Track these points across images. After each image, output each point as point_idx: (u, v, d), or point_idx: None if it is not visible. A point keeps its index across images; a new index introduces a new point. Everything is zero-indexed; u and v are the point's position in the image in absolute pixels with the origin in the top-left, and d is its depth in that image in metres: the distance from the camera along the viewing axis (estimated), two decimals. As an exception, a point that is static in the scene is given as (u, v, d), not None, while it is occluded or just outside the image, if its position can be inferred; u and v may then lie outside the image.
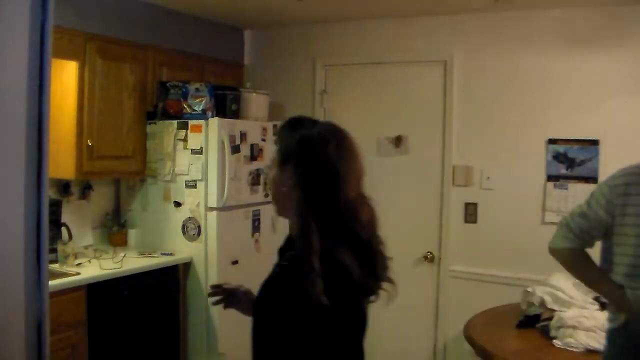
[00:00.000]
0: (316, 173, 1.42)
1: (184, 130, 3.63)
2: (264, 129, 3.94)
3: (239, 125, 3.74)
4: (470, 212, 3.93)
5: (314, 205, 1.40)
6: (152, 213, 3.80)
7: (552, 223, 3.65)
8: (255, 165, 3.85)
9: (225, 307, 1.80)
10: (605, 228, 2.01)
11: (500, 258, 3.81)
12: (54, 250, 3.23)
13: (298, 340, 1.38)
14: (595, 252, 2.12)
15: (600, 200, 2.04)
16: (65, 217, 3.52)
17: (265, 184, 3.95)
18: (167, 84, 3.72)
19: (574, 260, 2.12)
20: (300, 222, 1.41)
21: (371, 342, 4.81)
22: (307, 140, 1.44)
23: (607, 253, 2.05)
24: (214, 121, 3.57)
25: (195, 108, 3.65)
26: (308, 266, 1.32)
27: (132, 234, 3.84)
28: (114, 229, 3.82)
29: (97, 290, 3.10)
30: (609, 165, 3.51)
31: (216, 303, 1.78)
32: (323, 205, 1.41)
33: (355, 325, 1.53)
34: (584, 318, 2.59)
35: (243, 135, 3.73)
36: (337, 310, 1.37)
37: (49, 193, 3.17)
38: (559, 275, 2.96)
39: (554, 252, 2.13)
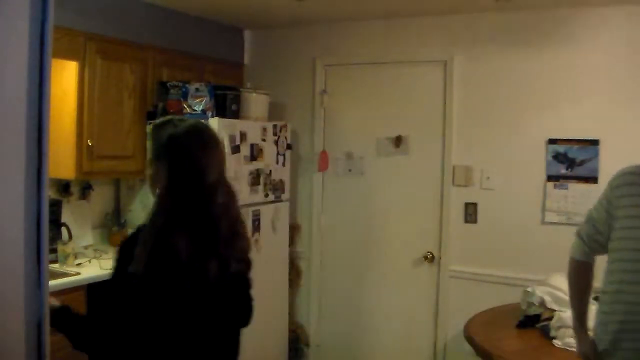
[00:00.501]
0: (180, 165, 1.66)
1: (184, 130, 3.63)
2: (264, 129, 3.94)
3: (239, 125, 3.74)
4: (470, 212, 3.93)
5: (178, 192, 1.63)
6: (152, 213, 3.79)
7: (552, 223, 3.68)
8: (255, 165, 3.84)
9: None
10: (609, 230, 2.02)
11: (500, 258, 3.82)
12: (54, 250, 3.23)
13: (118, 305, 1.60)
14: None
15: (603, 201, 2.07)
16: (65, 217, 3.52)
17: (265, 184, 3.95)
18: (167, 84, 3.72)
19: (572, 272, 2.20)
20: (156, 204, 1.64)
21: (371, 341, 4.81)
22: (173, 138, 1.69)
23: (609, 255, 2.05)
24: (214, 121, 3.56)
25: (195, 108, 3.64)
26: (142, 239, 1.56)
27: (132, 234, 3.83)
28: (114, 229, 3.82)
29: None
30: (609, 165, 3.52)
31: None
32: (185, 192, 1.64)
33: (181, 301, 1.63)
34: (584, 318, 2.59)
35: (243, 135, 3.73)
36: (153, 283, 1.56)
37: (49, 193, 3.17)
38: (559, 275, 2.96)
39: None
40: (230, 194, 1.79)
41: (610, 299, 1.98)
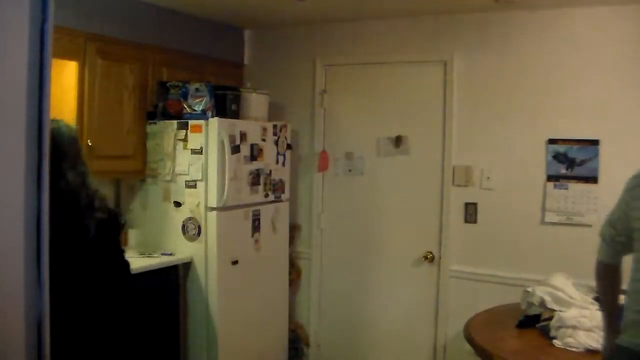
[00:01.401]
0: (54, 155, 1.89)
1: (184, 130, 3.63)
2: (264, 129, 3.94)
3: (239, 125, 3.74)
4: (470, 212, 3.93)
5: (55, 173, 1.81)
6: (152, 213, 3.80)
7: (552, 223, 3.68)
8: (255, 165, 3.85)
9: None
10: (630, 231, 2.04)
11: (500, 258, 3.82)
12: (54, 250, 3.23)
13: None
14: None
15: (621, 203, 2.10)
16: (65, 217, 3.52)
17: (265, 184, 3.95)
18: (167, 84, 3.72)
19: (597, 274, 2.22)
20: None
21: (372, 341, 4.81)
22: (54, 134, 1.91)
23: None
24: (214, 121, 3.57)
25: (195, 108, 3.64)
26: None
27: (132, 234, 3.84)
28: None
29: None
30: (609, 165, 3.53)
31: None
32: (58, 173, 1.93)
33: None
34: (584, 318, 2.59)
35: (243, 135, 3.73)
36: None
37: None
38: (559, 275, 2.97)
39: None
40: (82, 175, 2.07)
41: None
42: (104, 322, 2.02)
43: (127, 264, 2.23)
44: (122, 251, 2.22)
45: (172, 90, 3.70)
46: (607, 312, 2.20)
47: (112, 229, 2.15)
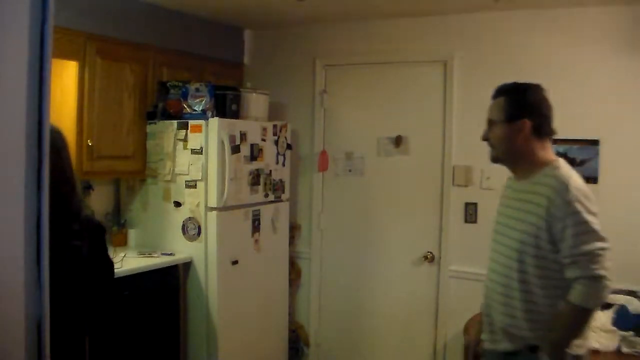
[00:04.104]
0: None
1: (184, 130, 3.63)
2: (264, 129, 3.94)
3: (239, 125, 3.74)
4: (470, 212, 3.93)
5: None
6: (152, 213, 3.80)
7: (552, 223, 3.67)
8: (255, 165, 3.85)
9: None
10: None
11: (500, 258, 3.81)
12: (54, 250, 3.23)
13: None
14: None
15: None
16: (65, 217, 3.52)
17: (265, 184, 3.95)
18: (167, 84, 3.72)
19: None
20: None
21: (371, 341, 4.80)
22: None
23: None
24: (214, 121, 3.57)
25: (195, 108, 3.65)
26: None
27: (132, 234, 3.84)
28: (114, 229, 3.82)
29: (97, 290, 3.10)
30: (609, 165, 3.53)
31: None
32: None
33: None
34: (584, 318, 2.58)
35: (243, 135, 3.73)
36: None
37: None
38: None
39: None
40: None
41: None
42: (104, 322, 2.03)
43: (111, 265, 2.26)
44: (107, 254, 2.24)
45: (172, 90, 3.70)
46: None
47: (96, 233, 2.16)
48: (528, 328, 1.99)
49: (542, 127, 2.18)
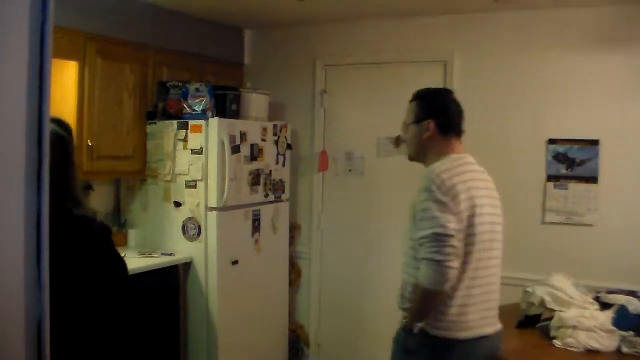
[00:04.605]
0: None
1: (184, 130, 3.63)
2: (264, 129, 3.94)
3: (239, 125, 3.74)
4: (470, 212, 3.92)
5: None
6: (152, 213, 3.80)
7: (552, 223, 3.68)
8: (255, 165, 3.85)
9: None
10: None
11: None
12: (54, 250, 3.23)
13: None
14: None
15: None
16: (65, 217, 3.52)
17: (265, 184, 3.95)
18: (167, 84, 3.72)
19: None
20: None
21: (371, 341, 4.79)
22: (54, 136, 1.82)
23: None
24: (214, 121, 3.57)
25: (195, 108, 3.64)
26: None
27: (132, 234, 3.84)
28: (114, 229, 3.82)
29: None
30: (609, 165, 3.53)
31: None
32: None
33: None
34: (584, 318, 2.59)
35: (243, 135, 3.73)
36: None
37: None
38: (559, 275, 2.96)
39: None
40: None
41: None
42: (104, 322, 2.02)
43: (124, 264, 2.21)
44: (117, 253, 2.21)
45: (172, 90, 3.70)
46: None
47: (103, 234, 2.13)
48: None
49: (447, 126, 2.38)
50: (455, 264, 2.08)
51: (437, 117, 2.38)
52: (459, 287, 2.13)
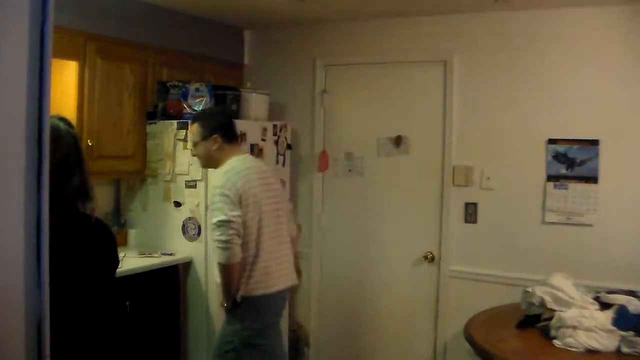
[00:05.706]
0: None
1: (184, 130, 3.63)
2: (264, 129, 3.94)
3: (239, 125, 3.73)
4: (470, 212, 3.93)
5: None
6: (152, 213, 3.80)
7: (552, 223, 3.68)
8: (255, 165, 3.84)
9: None
10: None
11: (500, 258, 3.82)
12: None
13: None
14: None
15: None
16: (65, 217, 3.52)
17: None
18: (167, 84, 3.72)
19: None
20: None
21: (371, 341, 4.80)
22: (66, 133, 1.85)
23: None
24: (214, 121, 3.56)
25: (195, 108, 3.64)
26: None
27: (132, 234, 3.84)
28: (114, 229, 3.82)
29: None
30: (609, 165, 3.53)
31: None
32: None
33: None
34: (584, 318, 2.59)
35: (243, 136, 3.73)
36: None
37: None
38: (559, 275, 2.96)
39: None
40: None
41: None
42: (104, 322, 2.01)
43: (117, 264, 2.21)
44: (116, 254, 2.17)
45: (172, 90, 3.70)
46: None
47: (102, 232, 2.10)
48: None
49: (229, 137, 2.98)
50: (237, 241, 2.72)
51: (220, 131, 2.94)
52: (259, 257, 2.82)
